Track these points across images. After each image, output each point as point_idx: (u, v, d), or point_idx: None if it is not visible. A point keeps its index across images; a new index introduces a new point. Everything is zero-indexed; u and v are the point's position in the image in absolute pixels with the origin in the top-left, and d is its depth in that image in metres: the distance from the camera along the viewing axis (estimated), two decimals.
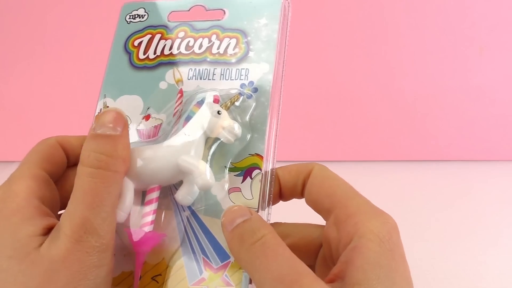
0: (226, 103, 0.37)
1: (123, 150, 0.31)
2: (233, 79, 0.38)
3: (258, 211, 0.34)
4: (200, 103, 0.37)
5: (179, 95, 0.39)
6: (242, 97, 0.37)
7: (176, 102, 0.39)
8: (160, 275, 0.34)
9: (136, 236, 0.34)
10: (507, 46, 0.74)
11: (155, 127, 0.38)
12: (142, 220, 0.34)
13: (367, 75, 0.78)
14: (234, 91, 0.38)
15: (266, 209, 0.35)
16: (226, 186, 0.35)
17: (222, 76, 0.39)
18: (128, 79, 0.40)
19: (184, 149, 0.35)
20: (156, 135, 0.38)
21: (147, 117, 0.39)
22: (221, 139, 0.35)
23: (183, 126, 0.36)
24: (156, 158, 0.35)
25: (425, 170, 0.71)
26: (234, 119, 0.36)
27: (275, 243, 0.30)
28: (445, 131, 0.74)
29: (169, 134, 0.38)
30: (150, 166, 0.35)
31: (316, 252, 0.33)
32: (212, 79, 0.39)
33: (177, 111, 0.38)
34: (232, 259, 0.34)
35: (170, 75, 0.40)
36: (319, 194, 0.32)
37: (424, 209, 0.64)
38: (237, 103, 0.37)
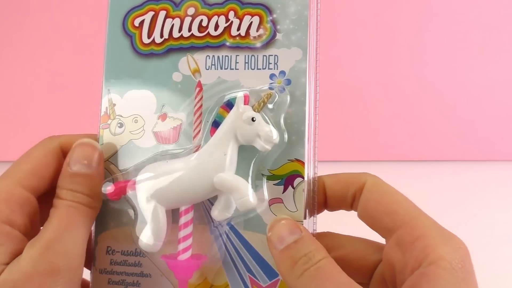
0: (259, 103, 0.32)
1: (99, 187, 0.32)
2: (260, 69, 0.33)
3: (303, 223, 0.32)
4: (228, 105, 0.32)
5: (198, 89, 0.34)
6: (275, 95, 0.32)
7: (195, 98, 0.33)
8: None
9: (175, 265, 0.31)
10: (506, 46, 0.73)
11: (175, 128, 0.34)
12: (179, 246, 0.32)
13: (367, 75, 0.73)
14: (264, 88, 0.33)
15: (312, 218, 0.32)
16: (266, 196, 0.32)
17: (246, 64, 0.33)
18: (133, 69, 0.34)
19: (217, 164, 0.31)
20: (177, 138, 0.34)
21: (163, 117, 0.34)
22: (256, 147, 0.31)
23: (211, 133, 0.32)
24: (187, 177, 0.31)
25: (425, 170, 0.71)
26: (266, 120, 0.32)
27: (331, 267, 0.28)
28: (445, 131, 0.73)
29: (192, 138, 0.33)
30: (181, 187, 0.31)
31: (370, 270, 0.32)
32: (235, 69, 0.33)
33: (198, 109, 0.33)
34: (281, 277, 0.32)
35: (184, 64, 0.34)
36: (377, 211, 0.30)
37: (424, 209, 0.63)
38: (270, 105, 0.32)
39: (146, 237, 0.31)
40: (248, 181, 0.31)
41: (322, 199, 0.32)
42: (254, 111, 0.31)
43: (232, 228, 0.33)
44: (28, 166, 0.31)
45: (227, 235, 0.33)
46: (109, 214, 0.34)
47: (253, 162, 0.32)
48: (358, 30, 0.75)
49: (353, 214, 0.32)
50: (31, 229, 0.31)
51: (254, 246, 0.32)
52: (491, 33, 0.73)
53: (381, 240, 0.31)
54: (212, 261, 0.33)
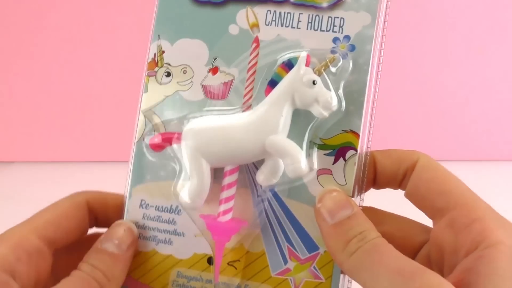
0: (321, 66, 0.30)
1: (121, 272, 0.30)
2: (323, 31, 0.31)
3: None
4: (288, 65, 0.30)
5: (255, 45, 0.32)
6: (339, 60, 0.30)
7: (250, 54, 0.32)
8: (238, 261, 0.31)
9: (214, 226, 0.30)
10: (507, 45, 0.72)
11: (225, 84, 0.32)
12: (220, 207, 0.30)
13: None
14: (326, 50, 0.31)
15: (358, 197, 0.31)
16: (315, 166, 0.31)
17: (309, 24, 0.31)
18: (187, 17, 0.32)
19: (271, 125, 0.29)
20: (227, 95, 0.32)
21: (214, 70, 0.32)
22: (312, 113, 0.30)
23: (266, 93, 0.30)
24: (238, 135, 0.29)
25: None
26: (326, 85, 0.30)
27: (387, 245, 0.27)
28: (445, 131, 0.72)
29: (242, 96, 0.31)
30: (230, 144, 0.29)
31: (415, 250, 0.30)
32: (297, 28, 0.31)
33: (252, 66, 0.31)
34: (321, 250, 0.30)
35: (242, 17, 0.32)
36: (429, 191, 0.28)
37: None
38: (332, 68, 0.30)
39: (188, 193, 0.29)
40: (301, 148, 0.30)
41: (372, 175, 0.31)
42: (315, 73, 0.30)
43: (275, 195, 0.31)
44: (48, 216, 0.30)
45: (269, 202, 0.31)
46: (146, 166, 0.32)
47: (309, 128, 0.30)
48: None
49: (392, 196, 0.31)
50: (35, 284, 0.28)
51: (297, 216, 0.31)
52: (492, 33, 0.72)
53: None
54: (250, 227, 0.31)
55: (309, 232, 0.31)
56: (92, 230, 0.33)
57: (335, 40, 0.31)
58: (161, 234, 0.32)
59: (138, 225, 0.32)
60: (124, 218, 0.32)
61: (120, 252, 0.30)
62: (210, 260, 0.31)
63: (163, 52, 0.33)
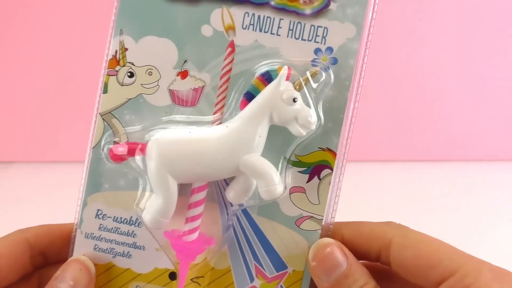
0: (301, 81, 0.28)
1: None
2: (304, 40, 0.29)
3: (323, 220, 0.29)
4: (267, 78, 0.28)
5: (230, 49, 0.29)
6: (321, 74, 0.28)
7: (224, 60, 0.29)
8: (202, 277, 0.30)
9: (179, 246, 0.28)
10: (506, 45, 0.72)
11: (195, 90, 0.29)
12: (186, 226, 0.28)
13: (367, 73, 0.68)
14: (307, 61, 0.29)
15: (331, 213, 0.30)
16: (288, 183, 0.29)
17: (290, 32, 0.29)
18: (155, 11, 0.29)
19: (245, 143, 0.27)
20: (197, 102, 0.29)
21: (183, 74, 0.29)
22: (290, 130, 0.28)
23: (241, 106, 0.28)
24: (210, 152, 0.27)
25: (425, 170, 0.70)
26: (306, 101, 0.28)
27: None
28: (445, 131, 0.72)
29: (214, 104, 0.29)
30: (200, 161, 0.27)
31: None
32: (276, 34, 0.29)
33: (226, 72, 0.29)
34: (290, 270, 0.30)
35: (217, 17, 0.29)
36: (420, 268, 0.27)
37: (424, 209, 0.62)
38: (313, 84, 0.28)
39: (153, 213, 0.27)
40: (277, 167, 0.28)
41: None
42: (295, 88, 0.28)
43: (244, 211, 0.30)
44: None
45: (238, 218, 0.30)
46: (104, 174, 0.29)
47: (286, 144, 0.29)
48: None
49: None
50: None
51: (266, 234, 0.30)
52: (491, 33, 0.72)
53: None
54: (216, 243, 0.30)
55: (278, 250, 0.30)
56: None
57: (316, 51, 0.29)
58: (119, 247, 0.30)
59: (94, 236, 0.30)
60: (78, 228, 0.30)
61: None
62: (172, 275, 0.30)
63: (126, 49, 0.29)
